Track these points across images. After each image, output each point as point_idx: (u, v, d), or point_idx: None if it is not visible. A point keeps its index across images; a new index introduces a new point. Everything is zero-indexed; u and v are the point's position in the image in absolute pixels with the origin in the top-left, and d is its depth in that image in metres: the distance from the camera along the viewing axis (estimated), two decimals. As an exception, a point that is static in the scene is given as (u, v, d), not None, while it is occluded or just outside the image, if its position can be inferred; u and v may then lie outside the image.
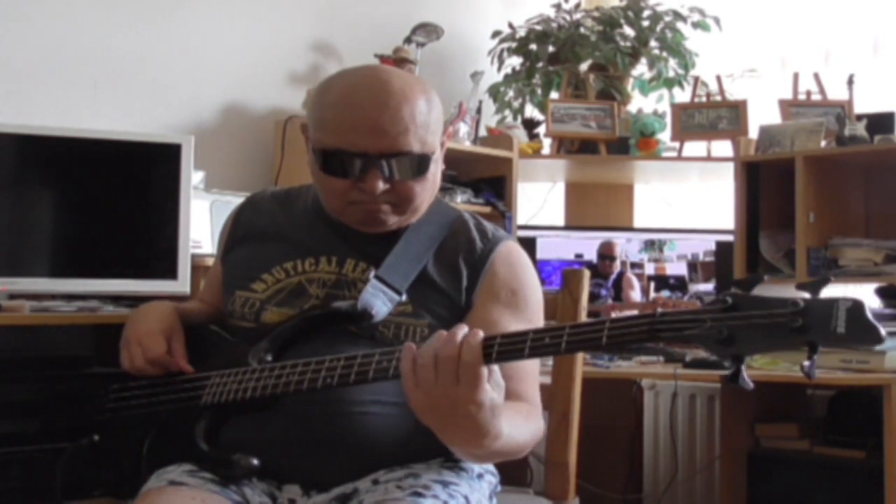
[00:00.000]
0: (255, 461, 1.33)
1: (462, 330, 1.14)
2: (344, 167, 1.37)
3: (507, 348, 1.14)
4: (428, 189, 1.44)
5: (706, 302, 1.08)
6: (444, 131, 1.48)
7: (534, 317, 1.47)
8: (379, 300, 1.39)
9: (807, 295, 1.02)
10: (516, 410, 1.33)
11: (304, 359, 1.32)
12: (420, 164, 1.39)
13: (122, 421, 1.50)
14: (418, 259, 1.44)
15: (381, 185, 1.37)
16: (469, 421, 1.14)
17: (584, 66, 3.33)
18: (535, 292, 1.49)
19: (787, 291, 3.31)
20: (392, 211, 1.42)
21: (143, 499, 1.33)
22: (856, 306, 0.99)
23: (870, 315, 0.98)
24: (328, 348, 1.34)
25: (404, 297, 1.41)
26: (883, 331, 0.98)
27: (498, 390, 1.15)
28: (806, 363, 1.01)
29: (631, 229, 3.39)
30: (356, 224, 1.45)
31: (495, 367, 1.15)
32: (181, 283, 2.17)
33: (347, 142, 1.36)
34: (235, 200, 2.41)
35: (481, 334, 1.14)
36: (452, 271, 1.45)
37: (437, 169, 1.46)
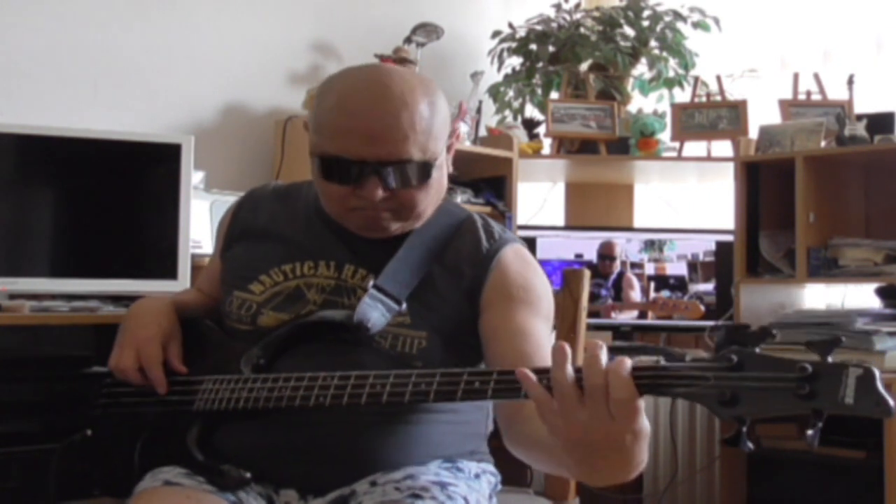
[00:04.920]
0: (247, 474, 1.32)
1: (603, 352, 1.01)
2: (342, 174, 1.33)
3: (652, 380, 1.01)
4: (432, 195, 1.40)
5: (709, 357, 1.01)
6: (451, 133, 1.42)
7: (549, 314, 1.44)
8: (377, 311, 1.35)
9: (815, 357, 0.96)
10: None
11: (297, 372, 1.29)
12: (421, 172, 1.34)
13: (115, 417, 1.48)
14: (420, 266, 1.41)
15: (381, 193, 1.32)
16: (621, 454, 1.02)
17: (584, 66, 3.33)
18: (546, 290, 1.45)
19: (788, 292, 3.29)
20: (393, 217, 1.38)
21: (139, 498, 1.31)
22: (867, 375, 0.93)
23: (880, 386, 0.93)
24: (322, 356, 1.33)
25: (404, 307, 1.38)
26: (892, 402, 0.93)
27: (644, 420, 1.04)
28: (810, 432, 0.95)
29: (631, 229, 3.39)
30: (357, 230, 1.41)
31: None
32: (181, 283, 2.17)
33: (344, 149, 1.31)
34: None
35: (629, 363, 1.00)
36: (455, 274, 1.42)
37: (441, 175, 1.40)
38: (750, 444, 1.00)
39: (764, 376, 0.97)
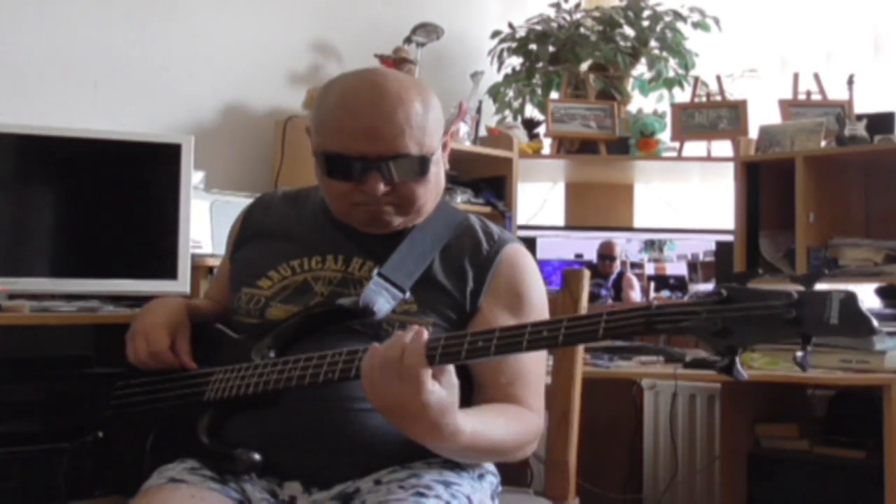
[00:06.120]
0: (258, 456, 1.34)
1: (410, 332, 1.16)
2: (345, 170, 1.39)
3: (452, 349, 1.16)
4: (431, 190, 1.46)
5: (701, 295, 1.10)
6: (445, 132, 1.49)
7: (542, 318, 1.47)
8: (382, 297, 1.40)
9: (801, 288, 1.04)
10: (498, 411, 1.36)
11: (306, 354, 1.33)
12: (419, 165, 1.41)
13: (126, 418, 1.50)
14: (423, 258, 1.45)
15: (382, 188, 1.39)
16: (421, 421, 1.15)
17: (584, 66, 3.33)
18: (539, 296, 1.50)
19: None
20: (395, 212, 1.44)
21: (143, 496, 1.34)
22: (849, 297, 1.01)
23: (862, 306, 1.00)
24: (331, 345, 1.35)
25: (408, 296, 1.42)
26: (875, 321, 1.00)
27: (450, 389, 1.16)
28: (799, 354, 1.03)
29: (631, 229, 3.39)
30: (361, 226, 1.46)
31: (450, 367, 1.17)
32: (181, 283, 2.17)
33: (345, 146, 1.38)
34: (235, 200, 2.41)
35: (425, 335, 1.15)
36: (458, 273, 1.46)
37: (438, 170, 1.47)
38: (744, 373, 1.06)
39: (752, 306, 1.04)
